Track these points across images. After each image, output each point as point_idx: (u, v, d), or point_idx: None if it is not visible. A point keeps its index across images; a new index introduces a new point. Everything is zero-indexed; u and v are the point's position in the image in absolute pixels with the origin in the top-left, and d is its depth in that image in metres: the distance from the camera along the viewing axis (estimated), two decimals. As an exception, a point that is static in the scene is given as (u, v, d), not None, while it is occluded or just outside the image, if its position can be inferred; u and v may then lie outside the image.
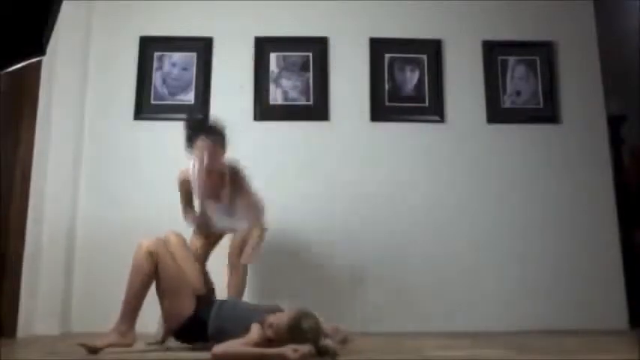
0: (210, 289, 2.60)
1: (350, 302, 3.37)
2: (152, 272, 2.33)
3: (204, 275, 2.64)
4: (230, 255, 2.76)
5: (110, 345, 2.27)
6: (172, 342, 2.61)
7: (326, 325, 2.22)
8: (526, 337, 2.90)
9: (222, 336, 2.22)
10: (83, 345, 2.21)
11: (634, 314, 3.41)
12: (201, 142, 2.70)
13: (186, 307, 2.33)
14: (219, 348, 2.03)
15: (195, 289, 2.39)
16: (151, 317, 2.65)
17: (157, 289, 2.39)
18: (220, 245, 2.94)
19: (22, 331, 3.02)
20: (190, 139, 2.75)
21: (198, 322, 2.32)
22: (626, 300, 3.43)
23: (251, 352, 2.01)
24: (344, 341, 2.28)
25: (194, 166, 2.74)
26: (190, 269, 2.43)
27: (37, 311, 3.13)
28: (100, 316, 2.34)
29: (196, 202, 2.87)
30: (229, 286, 2.72)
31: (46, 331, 3.12)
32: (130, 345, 2.33)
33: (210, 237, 2.89)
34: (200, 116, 2.74)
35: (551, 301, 3.42)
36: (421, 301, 3.41)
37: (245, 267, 2.75)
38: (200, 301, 2.37)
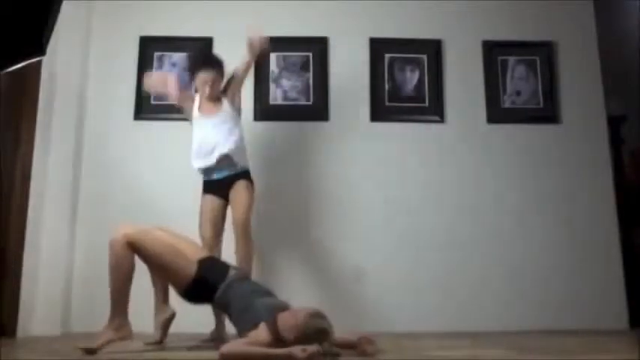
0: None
1: (349, 302, 3.37)
2: (133, 258, 2.26)
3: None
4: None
5: (108, 342, 2.23)
6: (171, 342, 2.62)
7: (351, 334, 2.19)
8: (526, 337, 2.90)
9: (226, 310, 2.23)
10: (81, 349, 2.18)
11: (634, 314, 3.41)
12: (204, 75, 2.97)
13: (188, 271, 2.24)
14: (226, 348, 2.00)
15: (196, 255, 2.31)
16: (150, 317, 2.65)
17: (151, 268, 2.37)
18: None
19: (22, 331, 3.02)
20: (193, 71, 3.04)
21: (203, 283, 2.25)
22: (626, 300, 3.44)
23: (259, 352, 1.97)
24: (364, 352, 2.14)
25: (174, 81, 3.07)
26: (183, 241, 2.35)
27: (37, 311, 3.13)
28: (100, 316, 2.32)
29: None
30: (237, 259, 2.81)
31: (46, 331, 3.11)
32: (127, 338, 2.28)
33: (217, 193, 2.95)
34: (202, 51, 3.08)
35: (552, 301, 3.42)
36: (421, 301, 3.41)
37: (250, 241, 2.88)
38: (203, 261, 2.28)
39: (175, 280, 2.31)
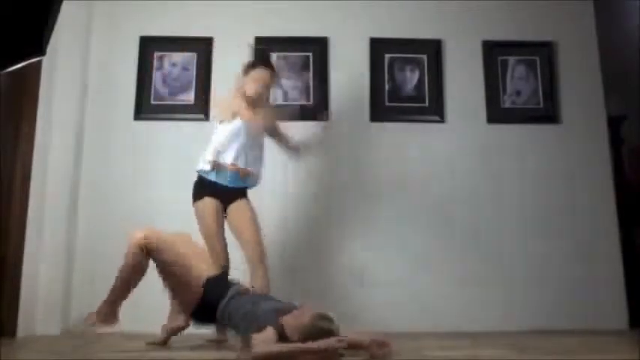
0: (224, 266, 2.59)
1: (350, 302, 3.36)
2: (147, 262, 2.30)
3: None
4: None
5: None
6: (174, 341, 2.61)
7: (364, 335, 2.18)
8: (526, 337, 2.90)
9: (229, 324, 2.24)
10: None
11: (634, 314, 3.41)
12: (260, 72, 2.90)
13: (193, 294, 2.28)
14: (259, 348, 1.95)
15: (204, 273, 2.33)
16: (151, 317, 2.65)
17: (164, 280, 2.39)
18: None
19: (22, 331, 3.02)
20: (247, 68, 2.94)
21: (207, 305, 2.27)
22: (626, 300, 3.44)
23: (294, 348, 1.94)
24: (374, 355, 2.11)
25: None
26: (197, 256, 2.39)
27: (37, 311, 3.13)
28: (100, 316, 2.33)
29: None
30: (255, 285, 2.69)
31: (46, 331, 3.12)
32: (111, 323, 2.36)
33: (223, 198, 2.83)
34: (266, 50, 3.12)
35: (552, 301, 3.42)
36: (421, 301, 3.41)
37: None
38: (208, 282, 2.31)
39: (183, 300, 2.34)
